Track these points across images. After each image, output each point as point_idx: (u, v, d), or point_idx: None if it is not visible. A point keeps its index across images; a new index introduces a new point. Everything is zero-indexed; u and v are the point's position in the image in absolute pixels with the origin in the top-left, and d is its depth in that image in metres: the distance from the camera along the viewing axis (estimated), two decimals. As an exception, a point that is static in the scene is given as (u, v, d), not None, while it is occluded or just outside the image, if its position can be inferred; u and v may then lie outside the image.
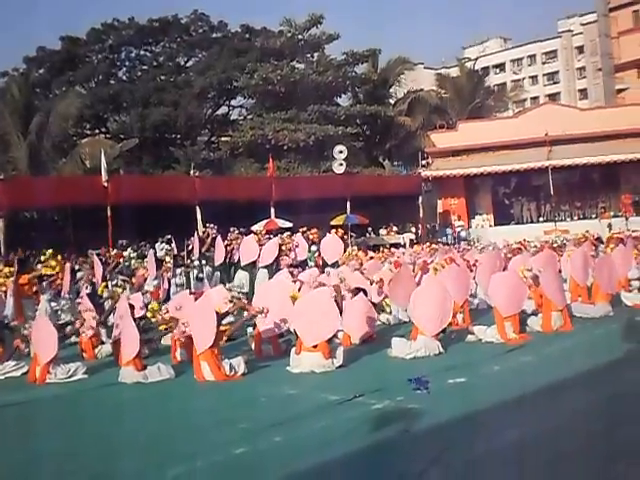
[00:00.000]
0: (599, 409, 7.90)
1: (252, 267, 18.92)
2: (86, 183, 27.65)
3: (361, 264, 17.15)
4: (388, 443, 7.01)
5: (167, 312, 12.25)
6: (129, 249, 21.76)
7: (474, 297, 15.79)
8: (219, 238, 20.08)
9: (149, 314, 12.37)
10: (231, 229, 20.96)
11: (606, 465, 6.08)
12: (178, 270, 18.93)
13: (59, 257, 16.49)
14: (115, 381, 10.41)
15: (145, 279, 17.39)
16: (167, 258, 19.31)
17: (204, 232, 21.66)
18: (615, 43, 56.79)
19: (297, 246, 20.30)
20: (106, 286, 15.55)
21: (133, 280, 16.97)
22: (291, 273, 15.55)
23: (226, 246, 20.07)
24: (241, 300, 11.61)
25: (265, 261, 18.54)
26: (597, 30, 61.84)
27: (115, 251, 20.61)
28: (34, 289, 15.51)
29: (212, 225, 21.23)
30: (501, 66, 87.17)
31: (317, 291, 11.47)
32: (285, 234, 21.27)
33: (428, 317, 11.06)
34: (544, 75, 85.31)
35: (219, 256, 19.72)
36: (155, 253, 20.31)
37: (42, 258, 16.27)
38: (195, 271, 19.52)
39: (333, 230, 22.65)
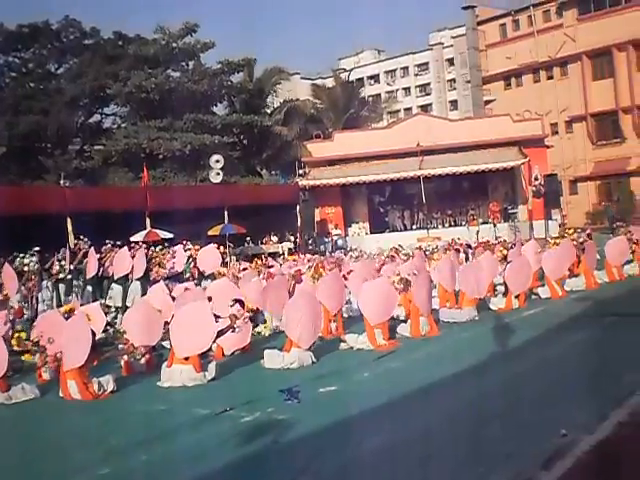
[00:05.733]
0: (464, 411, 8.17)
1: (125, 280, 18.51)
2: (-52, 194, 26.26)
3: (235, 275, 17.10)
4: (257, 455, 7.02)
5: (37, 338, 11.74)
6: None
7: (349, 304, 16.02)
8: (92, 250, 19.48)
9: (14, 342, 11.79)
10: (106, 242, 20.33)
11: (472, 467, 6.29)
12: (44, 284, 18.17)
13: None
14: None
15: (7, 296, 16.62)
16: (26, 269, 18.39)
17: (76, 244, 20.97)
18: (483, 56, 59.25)
19: (174, 257, 20.00)
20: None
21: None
22: (167, 286, 15.32)
23: (99, 259, 19.50)
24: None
25: (137, 274, 18.18)
26: (466, 43, 64.24)
27: None
28: None
29: (84, 237, 20.61)
30: (375, 77, 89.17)
31: (196, 303, 11.33)
32: (158, 246, 20.91)
33: (302, 330, 11.11)
34: (416, 87, 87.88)
35: (91, 269, 19.12)
36: (19, 266, 19.35)
37: None
38: (64, 285, 18.84)
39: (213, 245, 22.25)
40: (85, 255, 19.62)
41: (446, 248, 21.30)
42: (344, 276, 16.30)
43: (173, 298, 13.48)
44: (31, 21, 46.23)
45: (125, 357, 11.40)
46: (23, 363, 12.15)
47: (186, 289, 14.54)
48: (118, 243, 20.25)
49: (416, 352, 11.61)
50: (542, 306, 15.63)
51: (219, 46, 46.95)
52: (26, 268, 18.10)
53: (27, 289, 17.56)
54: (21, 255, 18.86)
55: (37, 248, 20.07)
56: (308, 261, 21.39)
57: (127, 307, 15.92)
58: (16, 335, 12.02)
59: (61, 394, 9.95)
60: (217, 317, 11.01)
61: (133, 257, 18.76)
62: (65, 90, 44.26)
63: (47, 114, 42.88)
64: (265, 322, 14.77)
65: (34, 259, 19.31)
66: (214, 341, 11.01)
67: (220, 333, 11.04)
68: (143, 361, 11.42)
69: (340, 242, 37.65)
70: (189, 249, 21.10)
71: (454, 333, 13.18)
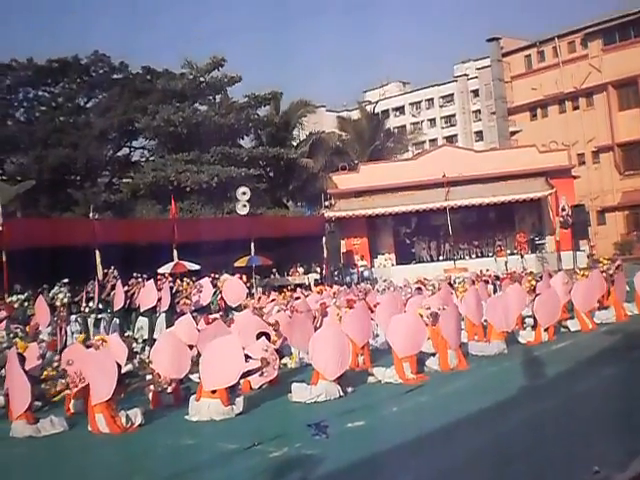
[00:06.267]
0: (493, 447, 8.08)
1: (152, 313, 18.59)
2: (-21, 227, 26.65)
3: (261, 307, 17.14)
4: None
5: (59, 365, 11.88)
6: (15, 295, 20.83)
7: (376, 337, 15.97)
8: (119, 283, 19.62)
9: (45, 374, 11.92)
10: (133, 274, 20.48)
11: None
12: (73, 317, 18.29)
13: None
14: (6, 436, 9.97)
15: (38, 327, 16.78)
16: (58, 303, 18.57)
17: (104, 277, 21.13)
18: (508, 87, 59.33)
19: (201, 290, 20.05)
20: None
21: (27, 328, 16.32)
22: (194, 318, 15.40)
23: (126, 292, 19.62)
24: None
25: (163, 307, 18.28)
26: (491, 74, 64.37)
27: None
28: None
29: (113, 269, 20.77)
30: (400, 109, 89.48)
31: (226, 338, 11.39)
32: (185, 278, 21.02)
33: (327, 361, 11.10)
34: (442, 118, 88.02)
35: (118, 302, 19.23)
36: (50, 299, 19.56)
37: None
38: (92, 318, 18.97)
39: (236, 275, 22.34)
40: (113, 287, 19.77)
41: (474, 280, 21.14)
42: (370, 308, 16.32)
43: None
44: (61, 56, 47.27)
45: (152, 388, 11.45)
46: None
47: (214, 319, 14.61)
48: (144, 276, 20.38)
49: (445, 386, 11.51)
50: (572, 339, 15.43)
51: (245, 80, 47.43)
52: (58, 302, 18.27)
53: (57, 322, 17.67)
54: (54, 288, 19.10)
55: (66, 280, 20.29)
56: (334, 294, 21.34)
57: (154, 340, 15.97)
58: (48, 369, 12.15)
59: (90, 428, 9.97)
60: (248, 357, 11.01)
61: (160, 289, 18.87)
62: (94, 124, 45.00)
63: (76, 147, 43.58)
64: (291, 354, 14.77)
65: (64, 291, 19.52)
66: (242, 378, 10.97)
67: (248, 373, 11.05)
68: (170, 390, 11.44)
69: (366, 273, 37.59)
70: (216, 279, 21.17)
71: (483, 367, 13.05)
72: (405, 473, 7.27)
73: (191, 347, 12.70)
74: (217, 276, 21.71)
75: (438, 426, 8.96)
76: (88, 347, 11.61)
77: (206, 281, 20.75)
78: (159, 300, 18.61)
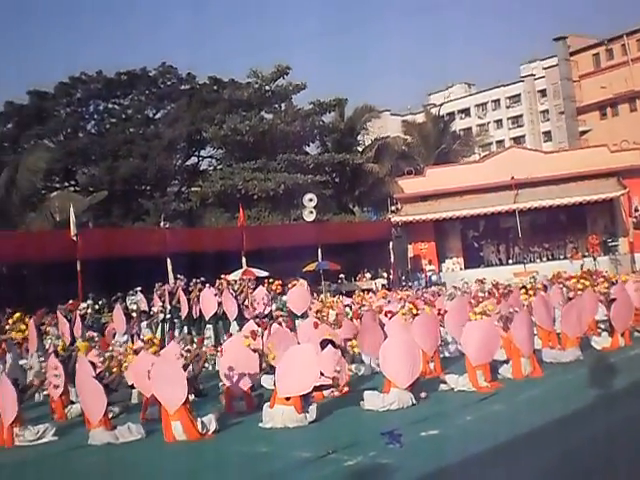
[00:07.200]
0: (571, 457, 7.91)
1: (217, 319, 18.76)
2: (55, 237, 27.53)
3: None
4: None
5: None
6: (89, 301, 21.34)
7: (445, 344, 15.83)
8: (180, 291, 19.84)
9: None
10: (193, 281, 20.63)
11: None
12: (144, 324, 18.60)
13: (27, 319, 16.11)
14: (85, 443, 10.20)
15: (113, 335, 17.18)
16: (134, 310, 19.01)
17: (174, 284, 21.48)
18: (577, 86, 58.20)
19: (262, 299, 20.11)
20: (71, 343, 15.29)
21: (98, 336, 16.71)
22: (257, 324, 15.55)
23: (188, 299, 19.85)
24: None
25: (231, 315, 18.46)
26: (559, 74, 63.24)
27: (71, 301, 20.26)
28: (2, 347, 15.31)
29: (181, 277, 21.07)
30: (466, 111, 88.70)
31: (301, 346, 11.48)
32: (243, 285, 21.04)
33: (399, 370, 11.04)
34: (508, 119, 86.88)
35: (183, 309, 19.47)
36: (125, 307, 20.01)
37: (10, 322, 15.96)
38: (162, 325, 19.29)
39: (298, 281, 22.15)
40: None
41: (545, 284, 20.65)
42: (439, 313, 16.20)
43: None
44: (129, 68, 48.40)
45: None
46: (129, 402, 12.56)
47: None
48: (201, 279, 20.44)
49: (519, 394, 11.29)
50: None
51: (310, 87, 47.70)
52: (134, 307, 18.71)
53: (130, 328, 18.05)
54: (127, 296, 19.57)
55: (139, 288, 20.73)
56: (400, 299, 21.07)
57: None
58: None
59: (165, 439, 10.02)
60: (321, 374, 11.03)
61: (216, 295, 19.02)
62: (163, 134, 45.88)
63: (146, 158, 44.54)
64: (362, 362, 14.77)
65: (137, 299, 19.97)
66: (313, 391, 10.99)
67: (320, 387, 11.08)
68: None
69: (434, 278, 37.34)
70: (271, 289, 21.05)
71: (558, 374, 12.77)
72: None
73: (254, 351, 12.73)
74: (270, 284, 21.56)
75: (514, 436, 8.81)
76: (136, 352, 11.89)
77: (260, 290, 20.68)
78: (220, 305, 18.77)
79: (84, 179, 46.96)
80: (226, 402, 11.79)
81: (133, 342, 17.91)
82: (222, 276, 21.21)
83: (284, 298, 21.37)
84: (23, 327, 15.64)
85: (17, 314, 16.01)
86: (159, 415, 10.66)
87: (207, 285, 19.95)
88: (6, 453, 10.33)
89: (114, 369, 12.08)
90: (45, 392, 13.13)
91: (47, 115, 47.18)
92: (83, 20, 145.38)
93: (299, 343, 12.70)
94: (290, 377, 10.51)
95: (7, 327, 16.00)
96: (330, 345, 12.58)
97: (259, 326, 15.07)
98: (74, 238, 24.68)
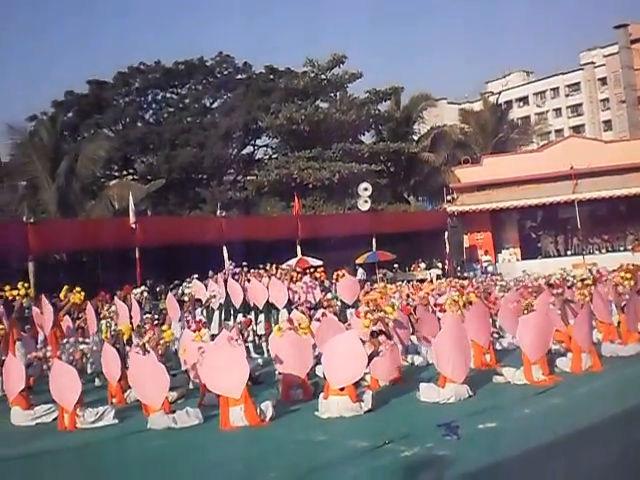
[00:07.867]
0: (630, 452, 7.78)
1: (268, 308, 18.77)
2: (114, 225, 28.05)
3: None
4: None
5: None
6: (142, 287, 21.59)
7: (501, 337, 15.70)
8: (230, 279, 19.56)
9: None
10: (238, 269, 20.29)
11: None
12: (199, 310, 18.72)
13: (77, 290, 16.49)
14: (144, 427, 10.40)
15: (170, 321, 17.42)
16: (186, 298, 19.11)
17: (225, 272, 21.43)
18: (638, 74, 56.75)
19: (311, 288, 20.07)
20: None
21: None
22: (303, 312, 15.68)
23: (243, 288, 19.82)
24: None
25: (280, 304, 18.51)
26: (619, 62, 61.80)
27: (126, 286, 20.52)
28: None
29: (232, 264, 21.05)
30: (524, 99, 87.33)
31: (345, 334, 11.46)
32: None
33: (454, 366, 10.93)
34: (568, 107, 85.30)
35: (236, 297, 19.37)
36: (181, 294, 20.20)
37: (61, 294, 16.51)
38: (220, 312, 19.37)
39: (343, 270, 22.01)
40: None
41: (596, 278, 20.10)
42: (492, 302, 16.12)
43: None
44: (187, 58, 48.90)
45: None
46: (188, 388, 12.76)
47: (323, 314, 14.69)
48: (246, 265, 20.44)
49: (578, 388, 11.12)
50: None
51: (366, 75, 47.47)
52: (186, 297, 18.89)
53: (185, 315, 18.16)
54: (184, 283, 19.77)
55: (195, 276, 20.93)
56: (452, 287, 20.75)
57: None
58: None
59: (221, 426, 10.08)
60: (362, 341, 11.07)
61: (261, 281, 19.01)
62: (220, 123, 46.30)
63: (203, 147, 45.03)
64: (418, 352, 14.72)
65: (192, 286, 20.13)
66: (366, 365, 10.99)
67: (370, 357, 11.05)
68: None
69: (490, 268, 36.95)
70: (316, 277, 20.94)
71: (617, 369, 12.50)
72: (540, 478, 7.09)
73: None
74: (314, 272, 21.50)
75: (572, 430, 8.70)
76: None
77: (307, 280, 20.50)
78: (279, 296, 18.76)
79: (142, 168, 47.73)
80: (283, 390, 11.87)
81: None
82: (282, 266, 21.27)
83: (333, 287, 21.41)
84: (78, 296, 16.14)
85: (65, 287, 16.60)
86: (217, 401, 10.78)
87: (262, 272, 19.96)
88: (69, 436, 10.53)
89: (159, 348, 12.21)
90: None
91: (106, 104, 48.06)
92: (142, 12, 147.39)
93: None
94: (339, 367, 10.52)
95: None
96: (383, 336, 12.54)
97: (304, 314, 15.20)
98: (133, 226, 25.12)
